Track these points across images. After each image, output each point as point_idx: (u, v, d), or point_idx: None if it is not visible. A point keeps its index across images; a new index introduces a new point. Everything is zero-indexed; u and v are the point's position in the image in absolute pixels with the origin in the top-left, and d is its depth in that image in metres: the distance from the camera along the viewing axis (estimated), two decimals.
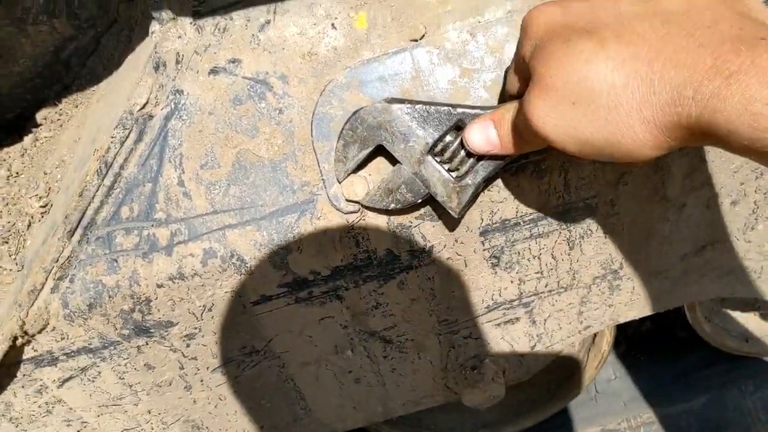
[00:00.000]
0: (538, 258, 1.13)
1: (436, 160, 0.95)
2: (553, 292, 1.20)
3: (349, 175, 0.99)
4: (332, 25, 1.00)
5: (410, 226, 1.04)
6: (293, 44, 1.01)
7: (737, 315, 1.73)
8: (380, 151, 0.96)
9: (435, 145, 0.94)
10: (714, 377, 1.99)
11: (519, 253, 1.12)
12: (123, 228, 1.04)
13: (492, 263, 1.13)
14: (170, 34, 1.01)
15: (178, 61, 1.02)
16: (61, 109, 1.41)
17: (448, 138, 0.94)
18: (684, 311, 1.70)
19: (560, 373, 1.84)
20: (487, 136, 0.88)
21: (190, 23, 1.01)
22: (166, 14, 1.00)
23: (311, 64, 1.01)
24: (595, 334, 1.57)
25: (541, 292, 1.19)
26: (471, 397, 1.29)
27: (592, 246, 1.14)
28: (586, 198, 1.06)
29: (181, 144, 1.02)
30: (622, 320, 1.30)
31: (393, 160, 0.98)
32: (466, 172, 0.93)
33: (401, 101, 0.94)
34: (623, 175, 1.04)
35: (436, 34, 0.99)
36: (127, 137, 1.01)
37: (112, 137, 1.01)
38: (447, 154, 0.94)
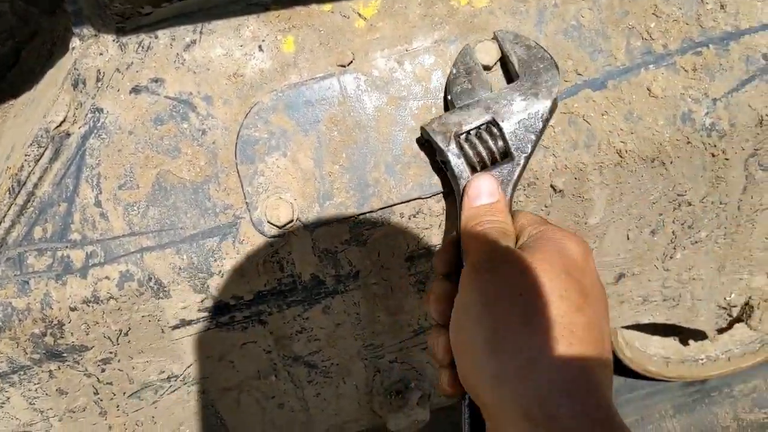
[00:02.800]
0: None
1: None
2: None
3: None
4: (259, 47, 0.98)
5: (336, 251, 1.03)
6: (219, 65, 0.99)
7: (657, 340, 1.77)
8: None
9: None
10: (635, 401, 2.03)
11: None
12: (35, 249, 1.00)
13: (418, 288, 1.12)
14: (91, 50, 0.98)
15: (99, 78, 0.99)
16: None
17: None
18: None
19: None
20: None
21: (113, 40, 0.98)
22: (87, 30, 0.97)
23: (237, 85, 0.99)
24: None
25: None
26: (396, 422, 1.28)
27: None
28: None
29: (99, 163, 0.99)
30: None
31: None
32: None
33: None
34: (545, 206, 1.06)
35: (364, 61, 0.99)
36: (42, 155, 0.98)
37: (26, 155, 0.97)
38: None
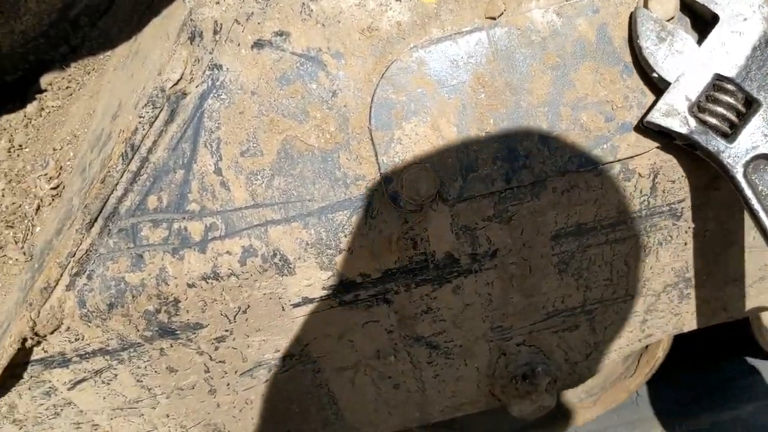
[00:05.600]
0: (610, 264, 1.02)
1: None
2: (619, 300, 1.09)
3: None
4: None
5: (476, 228, 0.93)
6: (350, 17, 0.88)
7: None
8: None
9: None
10: (759, 385, 1.91)
11: (590, 259, 1.01)
12: (150, 220, 0.91)
13: (560, 269, 1.01)
14: None
15: (216, 31, 0.88)
16: (69, 75, 1.27)
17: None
18: None
19: (606, 378, 1.75)
20: None
21: None
22: None
23: (371, 41, 0.88)
24: None
25: (607, 300, 1.08)
26: (520, 407, 1.19)
27: (670, 253, 1.03)
28: (672, 202, 0.95)
29: (219, 127, 0.89)
30: (686, 329, 1.20)
31: None
32: None
33: None
34: (715, 179, 0.93)
35: (517, 13, 0.86)
36: (157, 117, 0.88)
37: (140, 117, 0.88)
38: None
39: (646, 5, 0.83)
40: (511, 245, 0.96)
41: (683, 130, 0.80)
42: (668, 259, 1.04)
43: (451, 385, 1.20)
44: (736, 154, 0.79)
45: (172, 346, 1.01)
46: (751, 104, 0.79)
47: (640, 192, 0.92)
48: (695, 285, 1.10)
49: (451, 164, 0.88)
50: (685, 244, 1.02)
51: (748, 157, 0.79)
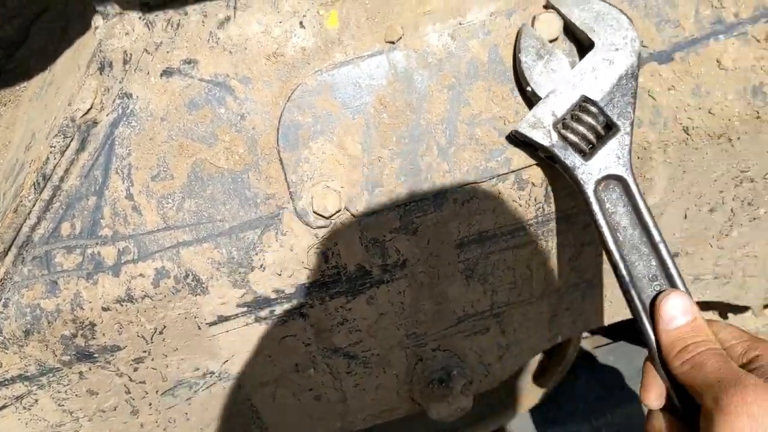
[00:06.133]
0: (513, 269, 1.08)
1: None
2: (525, 302, 1.15)
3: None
4: (300, 23, 0.91)
5: (384, 240, 0.97)
6: (257, 44, 0.91)
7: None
8: None
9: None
10: None
11: (494, 264, 1.06)
12: (63, 246, 0.93)
13: (466, 275, 1.06)
14: (116, 30, 0.90)
15: (126, 61, 0.91)
16: None
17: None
18: None
19: (522, 378, 1.81)
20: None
21: (139, 18, 0.90)
22: (111, 8, 0.88)
23: (277, 66, 0.92)
24: None
25: (513, 303, 1.14)
26: (438, 410, 1.24)
27: (568, 255, 1.09)
28: (565, 209, 1.01)
29: (130, 153, 0.92)
30: (593, 327, 1.27)
31: None
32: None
33: None
34: None
35: (415, 37, 0.91)
36: (68, 146, 0.90)
37: (51, 146, 0.90)
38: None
39: (533, 24, 0.89)
40: (419, 255, 1.01)
41: (545, 143, 0.86)
42: (567, 261, 1.10)
43: (371, 394, 1.24)
44: (589, 171, 0.86)
45: (90, 369, 1.02)
46: (610, 128, 0.86)
47: (535, 200, 0.98)
48: (596, 285, 1.17)
49: (357, 180, 0.92)
50: (582, 247, 1.09)
51: (599, 176, 0.86)
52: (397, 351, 1.17)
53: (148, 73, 0.91)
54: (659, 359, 0.81)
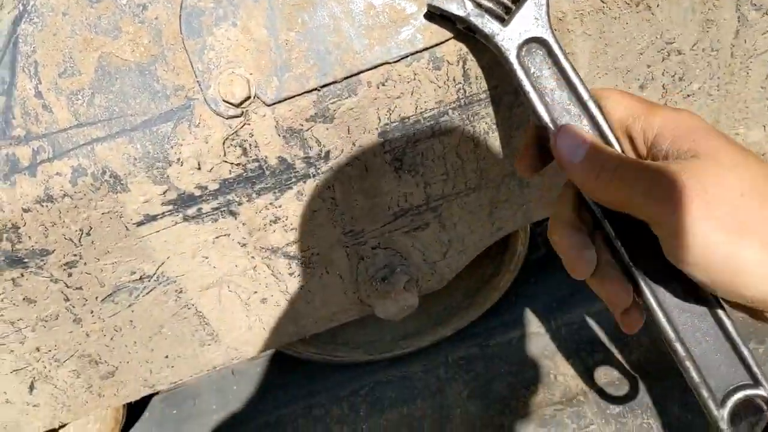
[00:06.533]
0: (443, 158, 1.07)
1: None
2: (461, 194, 1.14)
3: None
4: None
5: (301, 130, 0.96)
6: None
7: None
8: None
9: None
10: None
11: (422, 154, 1.05)
12: None
13: (395, 167, 1.05)
14: None
15: None
16: None
17: None
18: None
19: (477, 279, 1.81)
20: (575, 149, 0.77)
21: None
22: None
23: None
24: (509, 236, 1.53)
25: (449, 195, 1.13)
26: (384, 308, 1.24)
27: (499, 141, 1.08)
28: (487, 89, 0.99)
29: (35, 51, 0.90)
30: (536, 218, 1.26)
31: None
32: None
33: None
34: None
35: None
36: None
37: None
38: None
39: None
40: (341, 145, 1.00)
41: (461, 13, 0.83)
42: (498, 148, 1.08)
43: (319, 296, 1.24)
44: (509, 37, 0.83)
45: (23, 275, 1.03)
46: None
47: (454, 80, 0.96)
48: None
49: (265, 66, 0.91)
50: (513, 130, 1.07)
51: (521, 40, 0.83)
52: (337, 249, 1.16)
53: None
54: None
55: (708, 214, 0.63)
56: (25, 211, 0.94)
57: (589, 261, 0.77)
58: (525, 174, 0.87)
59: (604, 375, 1.81)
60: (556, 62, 0.83)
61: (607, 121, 0.79)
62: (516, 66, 0.83)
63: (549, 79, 0.84)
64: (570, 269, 0.80)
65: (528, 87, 0.83)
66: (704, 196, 0.64)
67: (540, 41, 0.83)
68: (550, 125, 0.81)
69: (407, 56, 0.92)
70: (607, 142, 0.79)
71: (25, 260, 1.00)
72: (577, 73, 0.82)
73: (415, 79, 0.94)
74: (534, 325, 1.88)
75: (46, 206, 0.94)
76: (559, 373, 1.78)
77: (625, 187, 0.70)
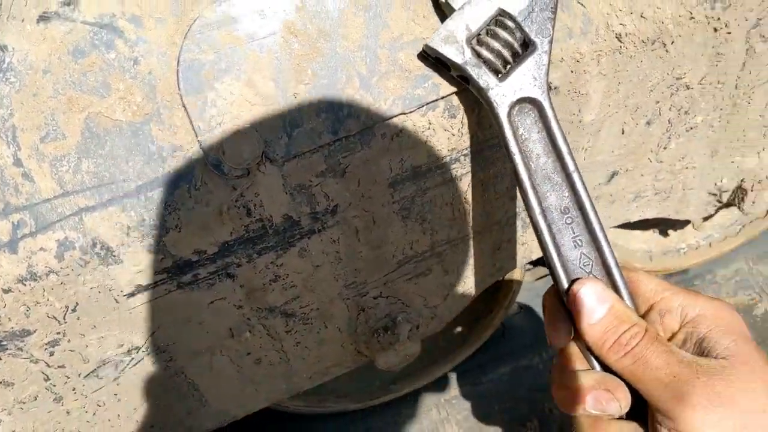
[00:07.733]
0: (451, 204, 1.02)
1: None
2: (467, 238, 1.09)
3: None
4: None
5: (310, 185, 0.89)
6: None
7: (638, 234, 1.71)
8: None
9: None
10: None
11: (431, 201, 1.00)
12: None
13: (403, 215, 1.00)
14: None
15: None
16: None
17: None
18: None
19: (468, 317, 1.77)
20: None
21: None
22: None
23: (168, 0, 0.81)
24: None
25: (454, 239, 1.08)
26: (385, 359, 1.18)
27: (506, 184, 1.03)
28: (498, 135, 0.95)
29: (12, 114, 0.80)
30: (535, 257, 1.22)
31: None
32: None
33: None
34: None
35: None
36: None
37: None
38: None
39: None
40: (350, 198, 0.93)
41: (458, 60, 0.79)
42: (505, 190, 1.04)
43: (315, 351, 1.17)
44: (503, 92, 0.79)
45: (1, 359, 0.92)
46: (527, 46, 0.79)
47: (468, 127, 0.91)
48: None
49: (274, 122, 0.84)
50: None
51: (514, 98, 0.79)
52: (337, 303, 1.10)
53: (23, 20, 0.79)
54: (587, 349, 0.76)
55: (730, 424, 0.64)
56: (5, 291, 0.84)
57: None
58: (557, 343, 0.83)
59: None
60: (546, 126, 0.80)
61: (589, 199, 0.78)
62: (505, 124, 0.79)
63: (536, 144, 0.81)
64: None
65: (514, 148, 0.80)
66: (732, 407, 0.64)
67: (534, 102, 0.80)
68: (530, 191, 0.80)
69: (424, 105, 0.86)
70: (585, 214, 0.79)
71: (4, 343, 0.90)
72: (566, 141, 0.79)
73: (429, 128, 0.89)
74: (525, 358, 1.85)
75: (29, 285, 0.84)
76: (554, 406, 1.76)
77: (648, 370, 0.70)
